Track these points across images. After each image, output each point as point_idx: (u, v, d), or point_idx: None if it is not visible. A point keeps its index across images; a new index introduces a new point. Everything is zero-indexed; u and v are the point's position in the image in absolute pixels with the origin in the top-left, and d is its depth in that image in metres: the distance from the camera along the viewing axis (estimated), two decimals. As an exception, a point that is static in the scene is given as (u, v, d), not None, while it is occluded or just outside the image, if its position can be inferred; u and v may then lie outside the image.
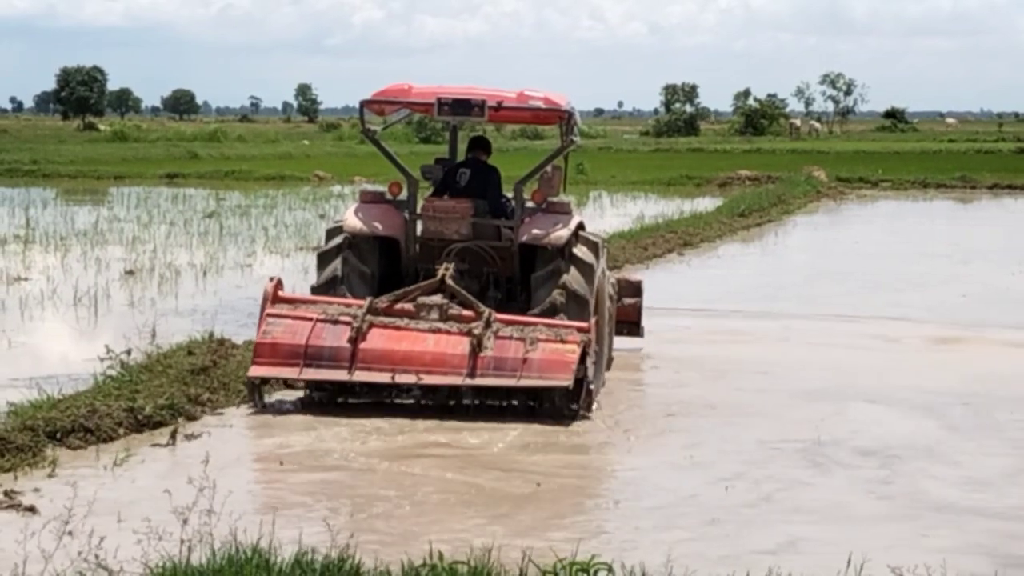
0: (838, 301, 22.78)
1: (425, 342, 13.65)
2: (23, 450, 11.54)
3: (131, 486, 10.97)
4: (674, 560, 8.44)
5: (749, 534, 10.04)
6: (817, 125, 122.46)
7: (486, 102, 14.79)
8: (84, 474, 11.23)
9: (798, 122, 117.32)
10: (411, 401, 14.05)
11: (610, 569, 7.93)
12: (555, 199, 14.93)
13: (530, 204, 14.97)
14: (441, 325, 13.75)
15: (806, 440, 12.99)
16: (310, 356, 13.63)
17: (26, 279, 23.58)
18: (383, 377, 13.54)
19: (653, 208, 41.41)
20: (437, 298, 14.01)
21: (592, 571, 7.87)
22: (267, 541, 8.22)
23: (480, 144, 15.72)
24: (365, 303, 13.90)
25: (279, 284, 14.27)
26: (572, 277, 14.37)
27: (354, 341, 13.60)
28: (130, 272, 24.68)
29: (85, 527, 8.78)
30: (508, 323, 13.76)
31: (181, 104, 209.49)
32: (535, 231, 14.59)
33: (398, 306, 14.02)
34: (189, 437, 12.60)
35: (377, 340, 13.66)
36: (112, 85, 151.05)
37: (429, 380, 13.49)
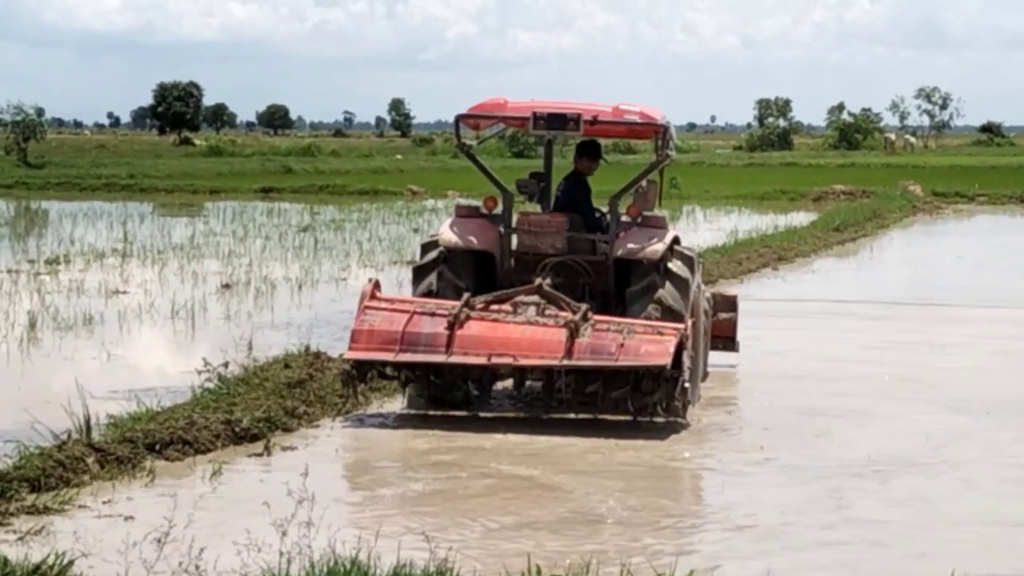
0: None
1: (522, 331, 13.71)
2: (123, 461, 11.63)
3: (229, 497, 11.02)
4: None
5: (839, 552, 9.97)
6: (912, 139, 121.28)
7: (581, 116, 14.75)
8: (183, 485, 11.30)
9: (893, 136, 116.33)
10: (509, 414, 14.11)
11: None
12: (650, 213, 14.83)
13: (626, 218, 14.90)
14: (538, 319, 13.80)
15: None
16: (407, 342, 13.69)
17: (124, 292, 23.84)
18: (479, 360, 13.61)
19: (747, 223, 41.23)
20: (534, 298, 14.04)
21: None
22: (366, 554, 8.24)
23: (582, 151, 15.71)
24: (462, 300, 13.96)
25: (377, 285, 14.31)
26: (667, 292, 14.25)
27: (451, 328, 13.66)
28: (226, 286, 24.88)
29: (185, 537, 8.84)
30: (607, 321, 13.74)
31: (275, 119, 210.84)
32: (630, 245, 14.52)
33: (494, 306, 14.07)
34: (286, 449, 12.67)
35: (474, 328, 13.74)
36: (208, 100, 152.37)
37: (526, 362, 13.57)
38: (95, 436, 11.99)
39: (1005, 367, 18.06)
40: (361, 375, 13.99)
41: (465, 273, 14.76)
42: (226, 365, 14.72)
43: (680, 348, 13.41)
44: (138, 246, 31.74)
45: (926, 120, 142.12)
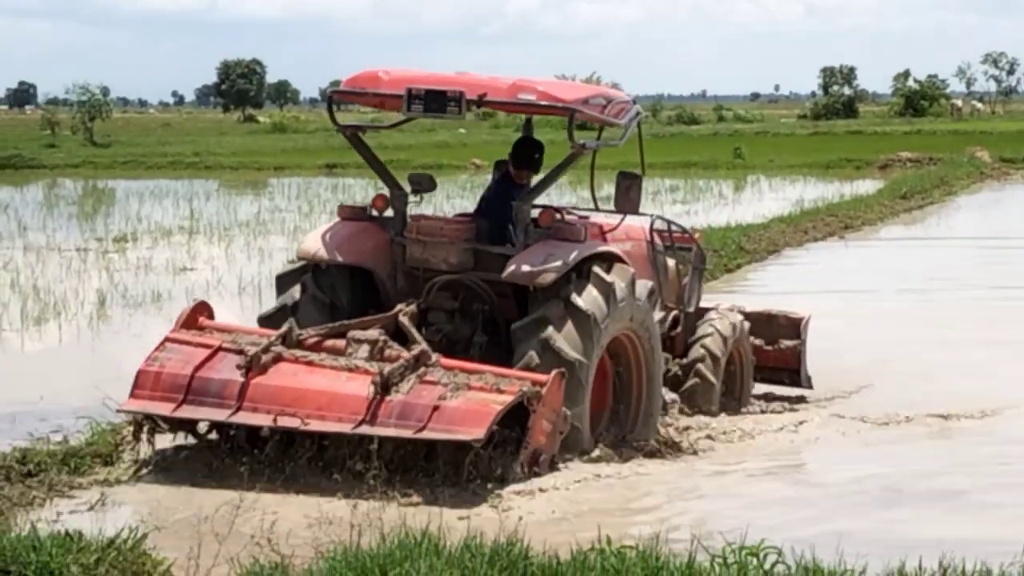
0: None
1: (331, 381, 10.80)
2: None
3: (300, 470, 11.05)
4: (844, 545, 8.31)
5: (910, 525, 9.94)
6: (979, 105, 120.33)
7: (463, 95, 11.49)
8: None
9: (959, 102, 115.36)
10: None
11: (779, 553, 7.83)
12: (566, 223, 11.85)
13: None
14: (360, 363, 10.88)
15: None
16: (194, 391, 10.90)
17: (191, 269, 23.98)
18: (266, 420, 10.67)
19: (812, 192, 41.01)
20: (373, 333, 11.12)
21: (762, 555, 7.79)
22: (436, 525, 8.26)
23: (515, 153, 12.60)
24: (279, 331, 11.20)
25: (201, 308, 11.72)
26: (559, 332, 11.10)
27: (247, 374, 10.87)
28: (293, 262, 24.87)
29: (256, 509, 8.91)
30: (451, 368, 10.78)
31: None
32: (524, 267, 11.39)
33: (328, 342, 11.23)
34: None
35: (274, 375, 10.90)
36: (271, 77, 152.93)
37: (315, 426, 10.50)
38: (166, 412, 12.03)
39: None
40: (155, 424, 11.16)
41: (337, 292, 12.04)
42: (294, 339, 14.69)
43: (524, 411, 10.45)
44: (204, 223, 31.90)
45: (993, 85, 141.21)
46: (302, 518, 8.74)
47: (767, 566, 7.63)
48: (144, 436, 11.01)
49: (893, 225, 32.63)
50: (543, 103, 11.62)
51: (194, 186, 45.60)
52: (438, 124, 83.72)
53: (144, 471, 10.70)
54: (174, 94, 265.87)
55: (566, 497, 10.16)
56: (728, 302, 14.56)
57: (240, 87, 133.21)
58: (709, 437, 12.37)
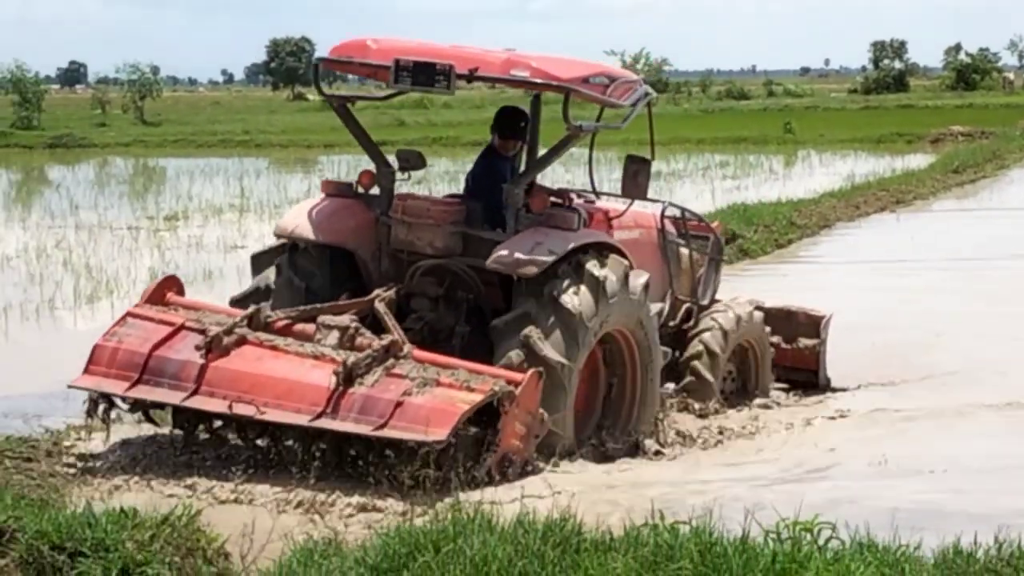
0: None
1: (294, 368, 10.08)
2: (246, 413, 11.69)
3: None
4: (898, 522, 8.28)
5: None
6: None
7: (452, 68, 10.56)
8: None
9: (1011, 75, 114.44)
10: None
11: (834, 528, 7.80)
12: (555, 211, 11.00)
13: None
14: (328, 351, 10.16)
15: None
16: (150, 370, 10.26)
17: (242, 247, 24.05)
18: (220, 406, 10.04)
19: (863, 166, 40.83)
20: (344, 319, 10.40)
21: (815, 531, 7.76)
22: (489, 501, 8.26)
23: (499, 122, 11.95)
24: (246, 312, 10.54)
25: (169, 283, 11.12)
26: (543, 332, 10.28)
27: (207, 356, 10.20)
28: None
29: (309, 488, 8.93)
30: (423, 361, 9.99)
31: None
32: (508, 254, 10.55)
33: (298, 327, 10.52)
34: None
35: (235, 359, 10.22)
36: (320, 55, 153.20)
37: (272, 416, 9.82)
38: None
39: None
40: (110, 403, 10.58)
41: (316, 273, 11.27)
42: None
43: (493, 412, 9.68)
44: (255, 201, 32.01)
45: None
46: (355, 494, 8.76)
47: (821, 541, 7.59)
48: (99, 415, 10.50)
49: (945, 199, 32.46)
50: (537, 80, 10.70)
51: (244, 164, 45.76)
52: (487, 101, 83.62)
53: (193, 448, 10.72)
54: (224, 72, 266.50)
55: (615, 476, 10.16)
56: (747, 295, 13.88)
57: (289, 65, 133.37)
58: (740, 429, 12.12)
